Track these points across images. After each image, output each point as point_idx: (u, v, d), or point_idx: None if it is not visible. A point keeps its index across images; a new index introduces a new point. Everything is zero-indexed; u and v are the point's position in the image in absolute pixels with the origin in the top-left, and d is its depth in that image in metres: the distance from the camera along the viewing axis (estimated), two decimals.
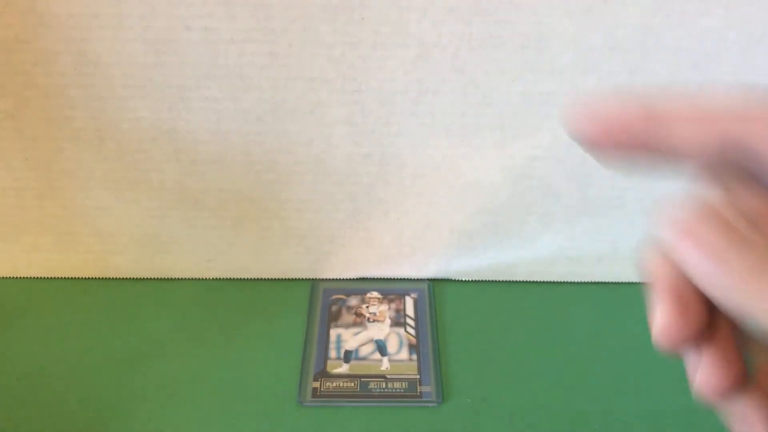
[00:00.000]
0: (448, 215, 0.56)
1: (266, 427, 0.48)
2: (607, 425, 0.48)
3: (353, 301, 0.58)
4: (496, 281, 0.60)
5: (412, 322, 0.56)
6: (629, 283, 0.60)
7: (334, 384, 0.50)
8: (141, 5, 0.46)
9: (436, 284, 0.59)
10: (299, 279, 0.60)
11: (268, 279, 0.60)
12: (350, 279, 0.60)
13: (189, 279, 0.60)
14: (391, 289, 0.59)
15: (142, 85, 0.49)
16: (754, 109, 0.19)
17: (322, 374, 0.51)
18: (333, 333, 0.55)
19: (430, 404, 0.49)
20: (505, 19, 0.46)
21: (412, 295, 0.58)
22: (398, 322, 0.56)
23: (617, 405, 0.49)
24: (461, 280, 0.60)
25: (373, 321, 0.56)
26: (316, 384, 0.50)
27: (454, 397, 0.50)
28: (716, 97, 0.19)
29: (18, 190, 0.54)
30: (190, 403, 0.49)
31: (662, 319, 0.20)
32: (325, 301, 0.58)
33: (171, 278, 0.60)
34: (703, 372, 0.20)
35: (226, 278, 0.60)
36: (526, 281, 0.60)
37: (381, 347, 0.54)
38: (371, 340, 0.54)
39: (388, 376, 0.51)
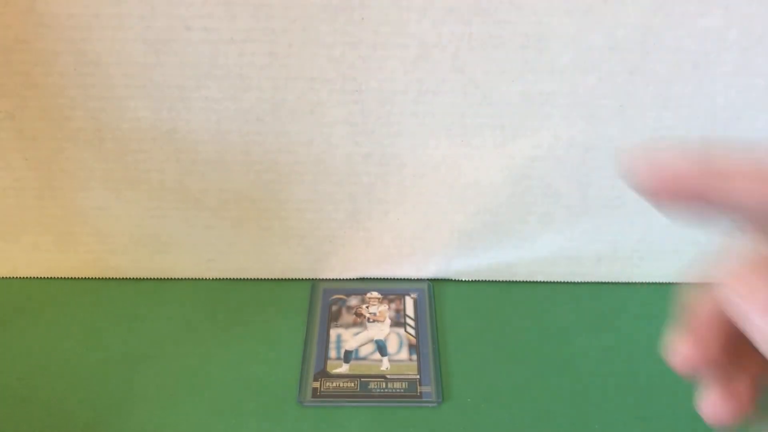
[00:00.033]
0: (448, 215, 0.56)
1: (266, 427, 0.48)
2: (607, 425, 0.48)
3: (353, 301, 0.58)
4: (495, 281, 0.60)
5: (412, 322, 0.56)
6: (629, 283, 0.60)
7: (334, 384, 0.51)
8: (141, 5, 0.46)
9: (436, 284, 0.59)
10: (299, 279, 0.60)
11: (268, 279, 0.60)
12: (350, 279, 0.60)
13: (189, 279, 0.60)
14: (391, 289, 0.59)
15: (142, 85, 0.49)
16: None
17: (322, 374, 0.51)
18: (333, 333, 0.55)
19: (430, 404, 0.49)
20: (505, 19, 0.46)
21: (412, 295, 0.58)
22: (398, 322, 0.56)
23: (617, 405, 0.49)
24: (461, 280, 0.60)
25: (373, 321, 0.56)
26: (316, 384, 0.50)
27: (454, 397, 0.50)
28: None
29: (18, 190, 0.54)
30: (190, 403, 0.49)
31: (681, 349, 0.22)
32: (325, 301, 0.58)
33: (171, 278, 0.60)
34: (711, 400, 0.22)
35: (226, 278, 0.60)
36: (526, 281, 0.60)
37: (381, 347, 0.54)
38: (371, 340, 0.54)
39: (388, 376, 0.51)
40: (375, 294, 0.59)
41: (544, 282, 0.60)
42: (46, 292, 0.58)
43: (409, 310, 0.57)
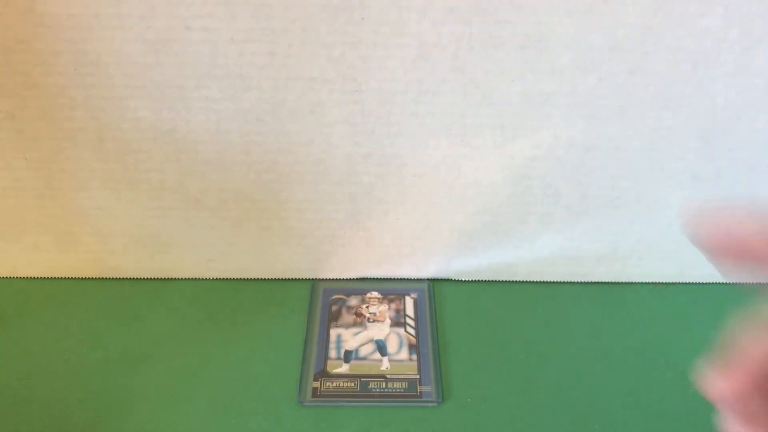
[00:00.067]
0: (448, 215, 0.56)
1: (266, 427, 0.48)
2: (607, 425, 0.48)
3: (353, 301, 0.58)
4: (495, 281, 0.60)
5: (412, 322, 0.56)
6: (629, 283, 0.60)
7: (334, 384, 0.50)
8: (141, 5, 0.46)
9: (436, 284, 0.59)
10: (299, 279, 0.60)
11: (268, 279, 0.60)
12: (350, 279, 0.60)
13: (189, 279, 0.60)
14: (391, 289, 0.59)
15: (142, 85, 0.49)
16: None
17: (322, 374, 0.51)
18: (333, 333, 0.55)
19: (430, 404, 0.49)
20: (505, 19, 0.46)
21: (412, 295, 0.58)
22: (398, 322, 0.56)
23: (617, 405, 0.49)
24: (461, 280, 0.60)
25: (373, 321, 0.56)
26: (316, 384, 0.50)
27: (454, 397, 0.50)
28: None
29: (18, 190, 0.54)
30: (190, 403, 0.49)
31: (719, 382, 0.23)
32: (325, 301, 0.58)
33: (171, 278, 0.60)
34: (734, 428, 0.23)
35: (226, 278, 0.60)
36: (526, 281, 0.60)
37: (381, 347, 0.54)
38: (371, 340, 0.54)
39: (388, 376, 0.51)
40: (375, 294, 0.59)
41: (544, 282, 0.60)
42: (46, 292, 0.58)
43: (409, 310, 0.57)
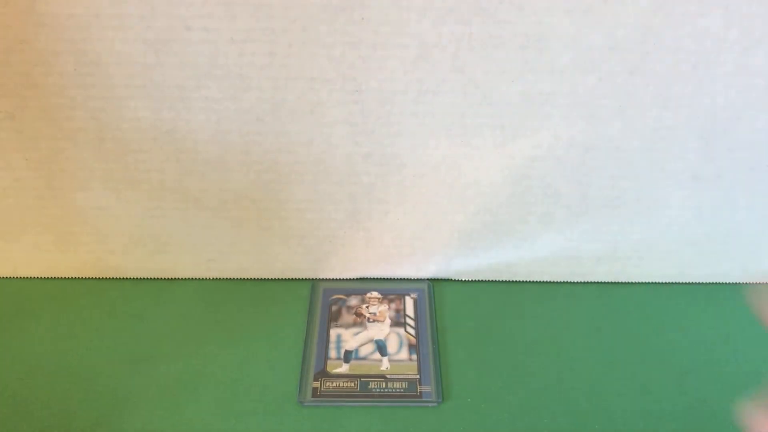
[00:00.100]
0: (448, 215, 0.56)
1: (266, 427, 0.48)
2: (607, 425, 0.48)
3: (353, 301, 0.58)
4: (495, 281, 0.60)
5: (412, 322, 0.56)
6: (629, 283, 0.60)
7: (334, 384, 0.51)
8: (141, 5, 0.46)
9: (436, 284, 0.59)
10: (299, 279, 0.60)
11: (268, 279, 0.60)
12: (350, 279, 0.60)
13: (189, 279, 0.60)
14: (391, 289, 0.59)
15: (142, 85, 0.49)
16: None
17: (322, 374, 0.51)
18: (333, 333, 0.55)
19: (430, 404, 0.49)
20: (505, 19, 0.46)
21: (412, 295, 0.58)
22: (398, 322, 0.56)
23: (617, 405, 0.49)
24: (461, 280, 0.60)
25: (373, 321, 0.56)
26: (316, 384, 0.50)
27: (454, 397, 0.50)
28: None
29: (18, 190, 0.54)
30: (191, 403, 0.49)
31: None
32: (325, 301, 0.58)
33: (171, 278, 0.60)
34: None
35: (226, 278, 0.60)
36: (526, 281, 0.60)
37: (381, 347, 0.54)
38: (371, 340, 0.54)
39: (388, 376, 0.51)
40: (375, 294, 0.59)
41: (544, 282, 0.60)
42: (46, 292, 0.58)
43: (409, 310, 0.57)
